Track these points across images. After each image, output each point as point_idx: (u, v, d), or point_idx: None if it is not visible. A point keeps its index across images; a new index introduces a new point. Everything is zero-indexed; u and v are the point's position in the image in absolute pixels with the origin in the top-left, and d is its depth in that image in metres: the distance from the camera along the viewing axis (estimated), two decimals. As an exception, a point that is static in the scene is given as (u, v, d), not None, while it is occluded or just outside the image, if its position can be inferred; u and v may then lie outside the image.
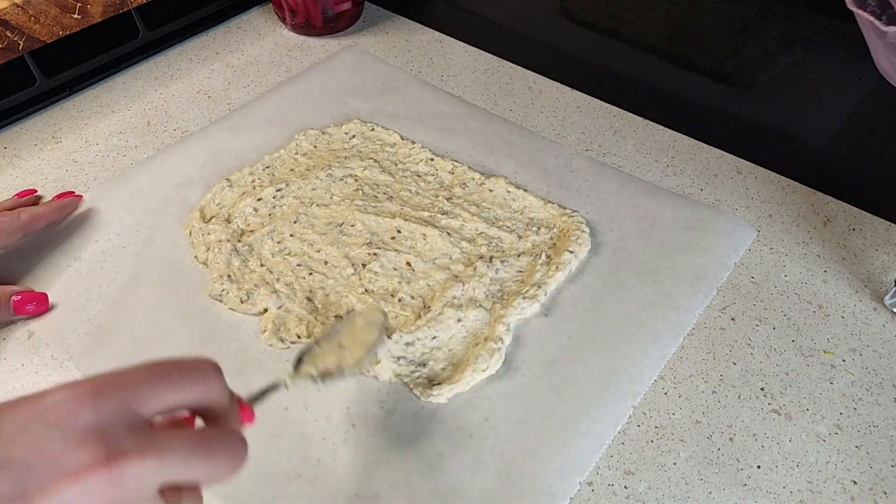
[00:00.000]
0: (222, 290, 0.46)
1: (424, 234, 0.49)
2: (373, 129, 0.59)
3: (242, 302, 0.46)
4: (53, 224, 0.50)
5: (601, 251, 0.49)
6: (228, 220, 0.51)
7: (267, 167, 0.55)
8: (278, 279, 0.47)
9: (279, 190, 0.53)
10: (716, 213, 0.52)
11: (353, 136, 0.59)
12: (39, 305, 0.45)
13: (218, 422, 0.26)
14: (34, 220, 0.48)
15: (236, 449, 0.25)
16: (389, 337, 0.41)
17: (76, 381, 0.22)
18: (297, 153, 0.57)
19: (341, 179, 0.54)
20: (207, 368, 0.26)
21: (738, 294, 0.47)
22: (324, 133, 0.59)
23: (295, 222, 0.51)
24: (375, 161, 0.56)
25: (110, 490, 0.20)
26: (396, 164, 0.56)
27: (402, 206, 0.52)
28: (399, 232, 0.50)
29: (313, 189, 0.53)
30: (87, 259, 0.49)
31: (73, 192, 0.53)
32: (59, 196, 0.52)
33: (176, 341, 0.44)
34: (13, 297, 0.44)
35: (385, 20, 0.76)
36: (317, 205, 0.52)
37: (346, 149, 0.58)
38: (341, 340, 0.36)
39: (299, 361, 0.34)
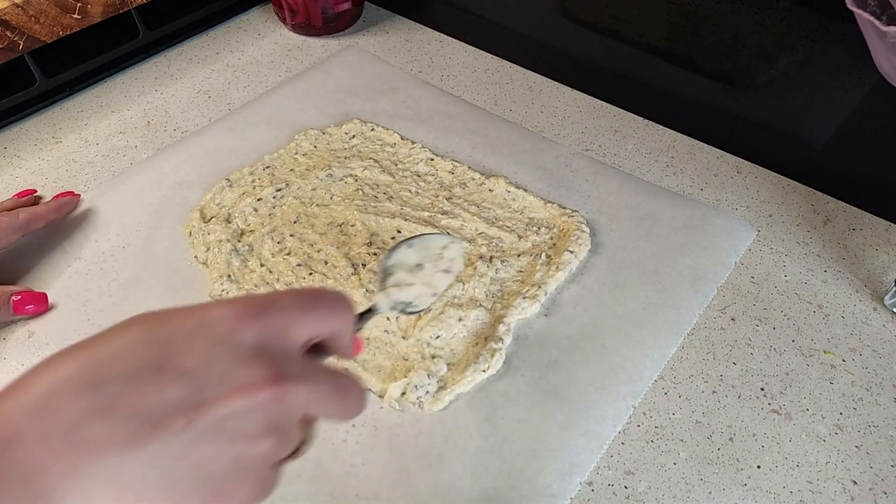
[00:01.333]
0: (222, 290, 0.46)
1: (424, 234, 0.49)
2: (373, 129, 0.59)
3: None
4: (52, 223, 0.50)
5: (601, 251, 0.49)
6: (228, 220, 0.51)
7: (267, 167, 0.55)
8: (278, 279, 0.47)
9: (279, 190, 0.53)
10: (716, 213, 0.52)
11: (353, 137, 0.59)
12: (39, 305, 0.45)
13: (338, 353, 0.27)
14: (33, 219, 0.48)
15: (363, 396, 0.26)
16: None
17: (237, 299, 0.23)
18: (297, 153, 0.57)
19: (341, 179, 0.54)
20: (347, 302, 0.26)
21: (738, 294, 0.47)
22: (324, 133, 0.59)
23: (295, 222, 0.51)
24: (375, 161, 0.56)
25: (274, 407, 0.22)
26: (396, 164, 0.56)
27: (402, 206, 0.52)
28: (399, 232, 0.50)
29: (313, 189, 0.53)
30: (87, 259, 0.49)
31: (73, 192, 0.53)
32: (59, 196, 0.52)
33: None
34: (13, 297, 0.44)
35: (385, 20, 0.76)
36: (317, 205, 0.52)
37: (346, 149, 0.58)
38: (424, 267, 0.36)
39: (384, 284, 0.35)
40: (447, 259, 0.37)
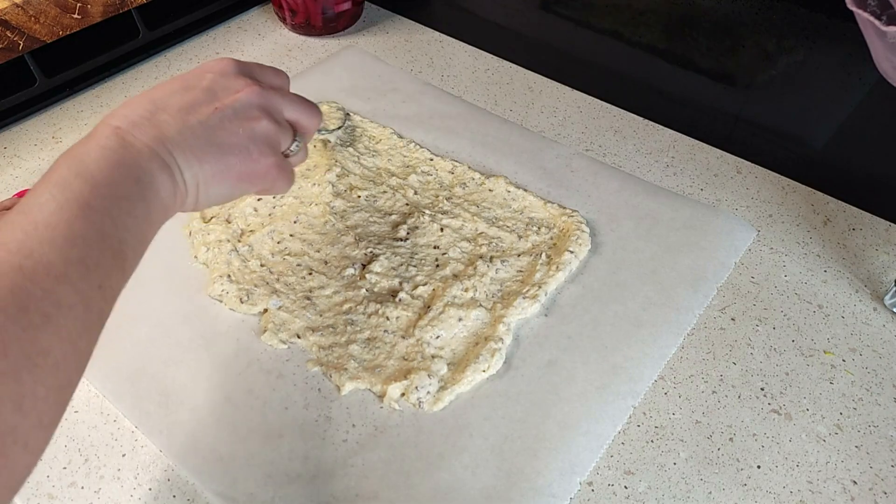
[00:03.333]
0: (222, 290, 0.46)
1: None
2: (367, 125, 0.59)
3: (242, 302, 0.46)
4: None
5: (601, 251, 0.49)
6: (228, 221, 0.51)
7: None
8: (278, 279, 0.47)
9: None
10: (716, 213, 0.52)
11: (352, 139, 0.59)
12: None
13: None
14: None
15: (317, 107, 0.40)
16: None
17: (219, 58, 0.37)
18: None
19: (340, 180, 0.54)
20: (282, 71, 0.40)
21: (738, 294, 0.47)
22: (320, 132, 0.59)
23: (295, 222, 0.51)
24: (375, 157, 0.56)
25: (260, 98, 0.35)
26: (400, 162, 0.56)
27: (403, 205, 0.52)
28: (398, 230, 0.50)
29: (314, 186, 0.53)
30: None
31: None
32: None
33: (176, 341, 0.44)
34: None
35: (385, 20, 0.76)
36: (315, 204, 0.52)
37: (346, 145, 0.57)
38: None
39: None
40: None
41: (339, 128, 0.47)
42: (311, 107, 0.39)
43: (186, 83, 0.34)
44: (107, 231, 0.27)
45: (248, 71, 0.37)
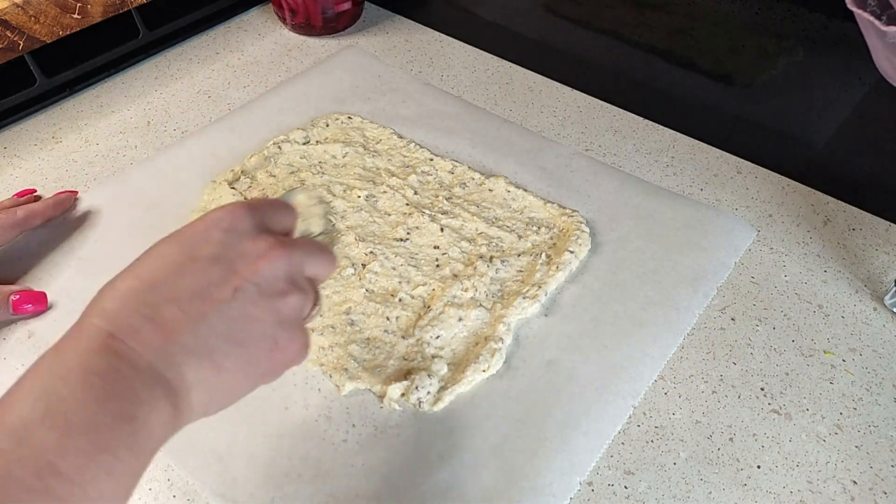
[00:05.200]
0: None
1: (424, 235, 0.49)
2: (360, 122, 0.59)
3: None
4: (50, 221, 0.50)
5: (601, 251, 0.49)
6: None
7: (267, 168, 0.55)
8: (278, 279, 0.47)
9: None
10: (716, 213, 0.52)
11: (347, 153, 0.59)
12: (38, 305, 0.45)
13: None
14: (31, 216, 0.48)
15: (334, 254, 0.32)
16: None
17: (225, 205, 0.29)
18: (300, 156, 0.57)
19: (343, 177, 0.54)
20: (291, 207, 0.33)
21: (738, 294, 0.47)
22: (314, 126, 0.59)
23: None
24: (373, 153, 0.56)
25: (287, 265, 0.28)
26: (384, 155, 0.56)
27: (403, 204, 0.52)
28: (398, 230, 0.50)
29: (318, 186, 0.53)
30: (86, 258, 0.49)
31: (70, 190, 0.53)
32: (57, 195, 0.52)
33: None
34: (12, 297, 0.44)
35: (385, 20, 0.76)
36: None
37: (346, 143, 0.58)
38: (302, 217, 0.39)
39: None
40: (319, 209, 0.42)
41: (322, 233, 0.42)
42: (327, 254, 0.31)
43: (190, 250, 0.26)
44: None
45: (261, 219, 0.29)
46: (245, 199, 0.49)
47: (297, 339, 0.28)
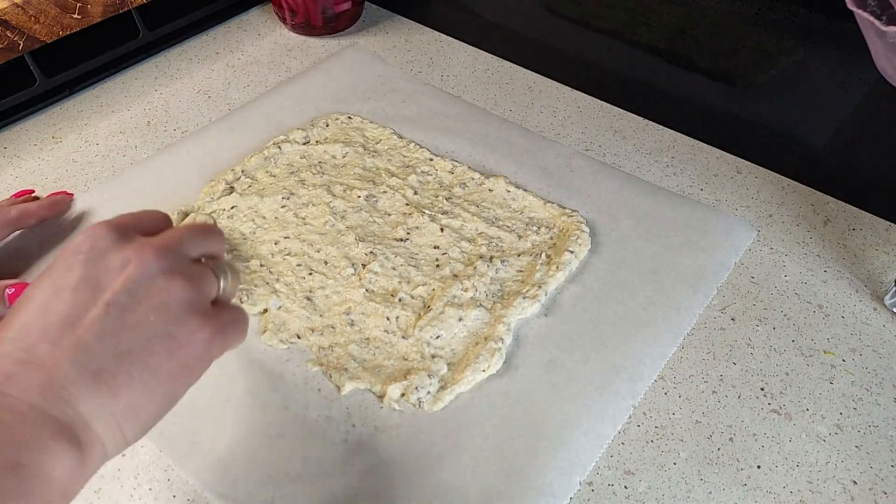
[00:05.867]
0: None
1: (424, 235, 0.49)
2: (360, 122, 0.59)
3: (242, 302, 0.46)
4: (45, 221, 0.50)
5: (601, 251, 0.49)
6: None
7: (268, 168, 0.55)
8: (278, 279, 0.47)
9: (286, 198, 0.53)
10: (716, 213, 0.52)
11: (347, 153, 0.59)
12: None
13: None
14: (24, 215, 0.48)
15: (215, 227, 0.33)
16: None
17: (83, 229, 0.29)
18: (300, 156, 0.57)
19: (340, 181, 0.54)
20: (216, 229, 0.33)
21: (738, 294, 0.47)
22: (313, 125, 0.59)
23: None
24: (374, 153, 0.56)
25: (159, 261, 0.27)
26: (384, 155, 0.56)
27: (402, 204, 0.52)
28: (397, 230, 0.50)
29: (315, 187, 0.53)
30: (86, 259, 0.49)
31: (66, 192, 0.53)
32: (52, 196, 0.52)
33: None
34: (7, 291, 0.44)
35: (385, 20, 0.76)
36: (313, 204, 0.52)
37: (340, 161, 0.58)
38: None
39: None
40: None
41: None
42: (207, 230, 0.31)
43: (54, 284, 0.25)
44: None
45: (125, 230, 0.28)
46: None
47: (203, 328, 0.27)
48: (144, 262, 0.26)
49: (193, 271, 0.28)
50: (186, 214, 0.51)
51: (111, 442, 0.24)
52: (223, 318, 0.28)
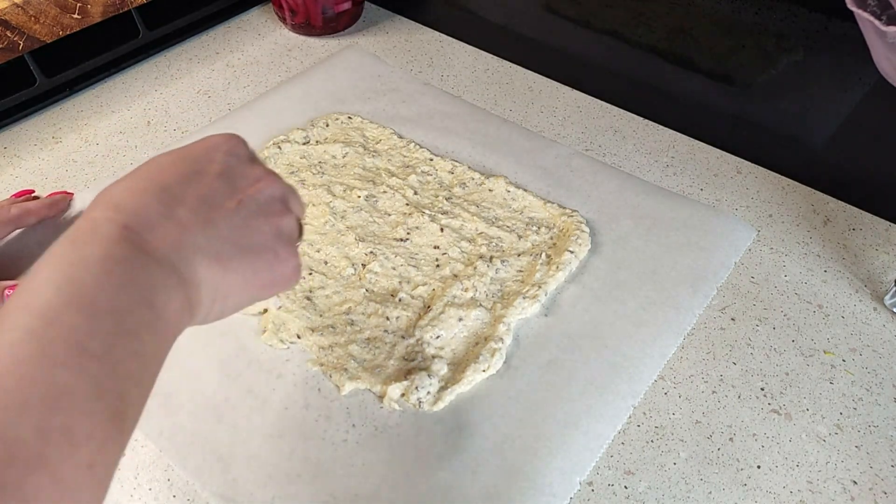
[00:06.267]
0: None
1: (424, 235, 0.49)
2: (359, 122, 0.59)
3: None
4: (45, 220, 0.50)
5: (601, 251, 0.49)
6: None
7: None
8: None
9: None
10: (716, 213, 0.52)
11: (346, 152, 0.59)
12: None
13: None
14: (24, 214, 0.48)
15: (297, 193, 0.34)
16: None
17: (214, 135, 0.31)
18: (300, 156, 0.57)
19: (342, 178, 0.54)
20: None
21: (738, 294, 0.47)
22: (313, 126, 0.59)
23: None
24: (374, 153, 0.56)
25: (282, 191, 0.31)
26: (386, 157, 0.56)
27: (402, 204, 0.52)
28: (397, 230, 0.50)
29: (315, 187, 0.53)
30: (87, 259, 0.49)
31: (65, 192, 0.53)
32: (52, 195, 0.52)
33: (175, 343, 0.44)
34: (6, 291, 0.44)
35: (385, 20, 0.76)
36: (313, 204, 0.52)
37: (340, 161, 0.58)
38: None
39: None
40: None
41: None
42: (299, 196, 0.34)
43: (196, 164, 0.28)
44: (104, 384, 0.21)
45: (253, 152, 0.32)
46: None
47: (294, 256, 0.31)
48: (272, 185, 0.30)
49: (294, 213, 0.32)
50: None
51: (204, 311, 0.27)
52: (300, 260, 0.32)
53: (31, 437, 0.18)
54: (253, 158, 0.31)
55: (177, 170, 0.28)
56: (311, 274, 0.47)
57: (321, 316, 0.45)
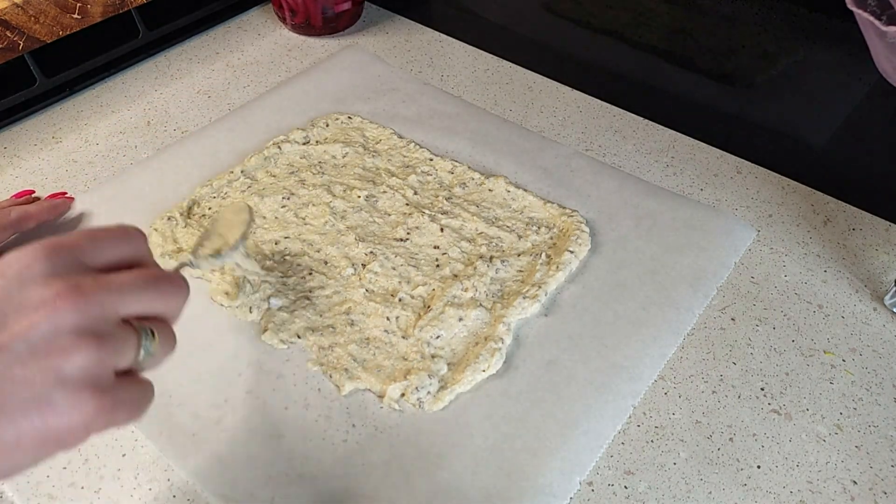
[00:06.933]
0: (224, 292, 0.46)
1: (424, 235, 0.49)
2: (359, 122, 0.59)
3: (249, 294, 0.46)
4: (44, 224, 0.50)
5: (601, 251, 0.49)
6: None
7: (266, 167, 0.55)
8: (278, 279, 0.47)
9: (286, 198, 0.53)
10: (716, 213, 0.52)
11: (346, 153, 0.59)
12: None
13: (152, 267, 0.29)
14: (24, 218, 0.48)
15: (179, 280, 0.28)
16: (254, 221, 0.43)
17: (25, 245, 0.25)
18: (300, 155, 0.57)
19: (340, 180, 0.54)
20: (133, 231, 0.28)
21: (738, 294, 0.47)
22: (313, 125, 0.59)
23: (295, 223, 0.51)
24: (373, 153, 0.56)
25: (77, 315, 0.23)
26: (386, 156, 0.56)
27: (402, 204, 0.52)
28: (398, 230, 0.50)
29: (314, 187, 0.53)
30: (87, 259, 0.49)
31: (66, 193, 0.53)
32: (51, 197, 0.52)
33: (177, 341, 0.44)
34: None
35: (385, 20, 0.76)
36: (313, 204, 0.52)
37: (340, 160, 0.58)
38: (220, 231, 0.40)
39: (193, 253, 0.38)
40: (241, 217, 0.42)
41: (237, 245, 0.39)
42: (166, 284, 0.27)
43: None
44: None
45: (71, 257, 0.25)
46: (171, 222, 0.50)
47: (89, 403, 0.23)
48: (58, 313, 0.23)
49: (112, 336, 0.24)
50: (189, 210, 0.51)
51: None
52: (120, 395, 0.25)
53: None
54: (55, 272, 0.24)
55: None
56: (311, 274, 0.47)
57: (321, 316, 0.45)
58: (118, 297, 0.25)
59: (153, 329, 0.27)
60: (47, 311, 0.23)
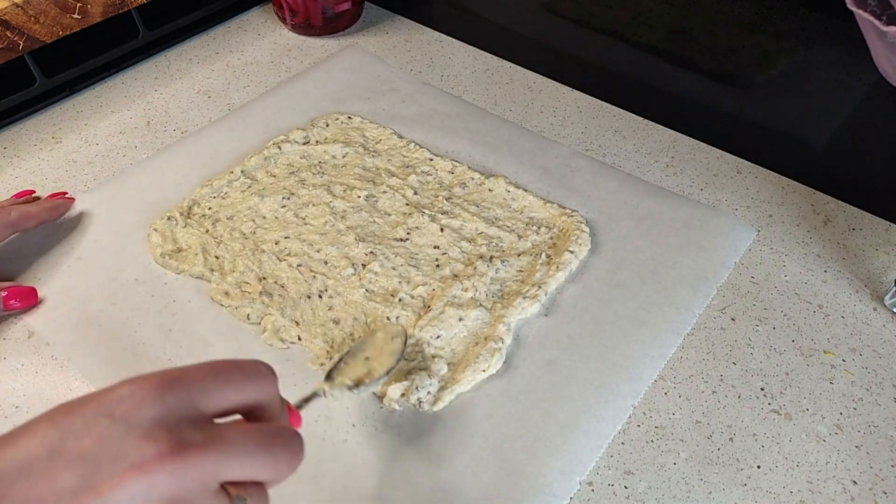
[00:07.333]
0: (224, 292, 0.46)
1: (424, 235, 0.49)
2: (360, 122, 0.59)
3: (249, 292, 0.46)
4: (45, 223, 0.50)
5: (601, 251, 0.49)
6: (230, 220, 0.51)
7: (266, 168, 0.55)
8: (276, 280, 0.47)
9: (285, 199, 0.53)
10: (716, 213, 0.52)
11: (346, 153, 0.59)
12: (26, 300, 0.45)
13: (270, 423, 0.26)
14: (24, 218, 0.48)
15: (296, 444, 0.25)
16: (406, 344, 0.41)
17: (143, 376, 0.22)
18: (300, 155, 0.57)
19: (340, 180, 0.54)
20: (265, 370, 0.26)
21: (738, 294, 0.47)
22: (313, 125, 0.59)
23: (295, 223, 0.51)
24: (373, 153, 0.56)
25: (175, 483, 0.21)
26: (386, 156, 0.56)
27: (403, 205, 0.52)
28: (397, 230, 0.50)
29: (314, 187, 0.53)
30: (87, 259, 0.49)
31: (66, 193, 0.53)
32: (51, 196, 0.52)
33: (177, 341, 0.44)
34: (1, 293, 0.44)
35: (385, 20, 0.76)
36: (313, 204, 0.52)
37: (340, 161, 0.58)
38: (367, 354, 0.39)
39: (330, 375, 0.36)
40: (393, 345, 0.40)
41: (386, 374, 0.36)
42: (285, 450, 0.24)
43: (61, 438, 0.21)
44: None
45: (180, 401, 0.22)
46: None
47: None
48: (154, 477, 0.20)
49: (209, 498, 0.22)
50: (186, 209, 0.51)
51: None
52: None
53: None
54: (155, 425, 0.21)
55: (27, 450, 0.20)
56: (311, 274, 0.47)
57: (321, 317, 0.45)
58: (225, 462, 0.22)
59: (247, 496, 0.23)
60: (143, 472, 0.20)
